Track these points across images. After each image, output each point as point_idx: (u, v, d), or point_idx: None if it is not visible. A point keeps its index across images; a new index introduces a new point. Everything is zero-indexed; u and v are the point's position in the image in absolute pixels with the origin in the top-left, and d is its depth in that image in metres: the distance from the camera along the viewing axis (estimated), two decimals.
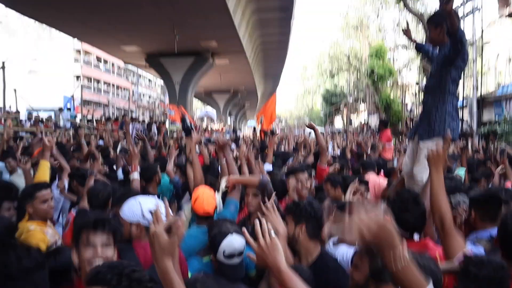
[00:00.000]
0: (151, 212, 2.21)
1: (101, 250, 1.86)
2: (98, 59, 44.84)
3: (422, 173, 3.54)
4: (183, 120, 5.16)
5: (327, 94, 52.11)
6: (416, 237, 2.44)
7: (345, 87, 47.91)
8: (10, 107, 18.40)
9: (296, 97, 79.02)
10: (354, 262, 1.92)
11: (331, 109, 49.29)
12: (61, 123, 17.24)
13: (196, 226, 3.10)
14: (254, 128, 15.59)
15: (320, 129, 39.56)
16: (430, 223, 2.65)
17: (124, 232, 2.37)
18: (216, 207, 3.20)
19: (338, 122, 50.16)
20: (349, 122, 42.41)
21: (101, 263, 1.54)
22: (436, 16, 3.72)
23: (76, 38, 25.63)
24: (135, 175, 3.91)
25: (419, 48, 4.28)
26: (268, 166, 5.98)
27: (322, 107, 57.15)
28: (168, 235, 1.53)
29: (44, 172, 3.76)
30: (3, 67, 14.25)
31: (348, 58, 41.12)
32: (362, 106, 45.55)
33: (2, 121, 14.22)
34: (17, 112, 16.69)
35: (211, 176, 4.31)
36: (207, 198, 3.11)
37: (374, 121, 35.73)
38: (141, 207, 2.44)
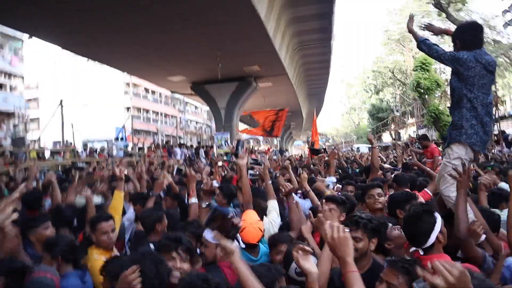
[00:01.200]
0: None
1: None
2: (146, 90, 46.60)
3: (446, 190, 3.39)
4: (238, 143, 5.39)
5: (373, 110, 51.39)
6: (421, 252, 2.43)
7: (391, 102, 47.16)
8: (67, 141, 19.52)
9: (341, 114, 78.41)
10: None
11: (378, 125, 48.51)
12: (114, 152, 18.05)
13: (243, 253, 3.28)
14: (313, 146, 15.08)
15: (367, 145, 38.94)
16: (472, 245, 2.68)
17: (208, 254, 2.79)
18: (263, 235, 3.37)
19: (386, 137, 49.24)
20: (398, 136, 41.56)
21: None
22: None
23: (125, 72, 26.88)
24: (193, 200, 4.08)
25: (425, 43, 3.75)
26: (332, 179, 6.09)
27: (369, 123, 56.38)
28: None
29: (118, 202, 3.98)
30: (61, 105, 15.19)
31: (392, 72, 40.65)
32: (410, 120, 44.56)
33: (62, 154, 15.17)
34: (73, 145, 17.67)
35: (259, 199, 4.42)
36: (252, 230, 3.28)
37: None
38: None
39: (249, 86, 23.50)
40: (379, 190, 3.90)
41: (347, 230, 1.95)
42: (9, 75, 30.55)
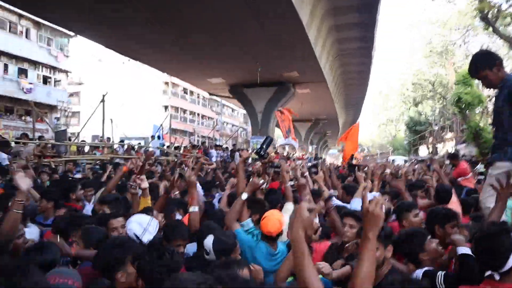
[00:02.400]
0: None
1: None
2: (185, 90, 47.22)
3: (486, 200, 3.44)
4: (265, 140, 5.18)
5: (411, 122, 50.36)
6: (496, 277, 2.19)
7: (430, 115, 46.13)
8: (108, 138, 19.97)
9: (378, 125, 77.23)
10: None
11: (416, 138, 47.51)
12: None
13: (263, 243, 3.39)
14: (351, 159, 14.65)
15: (403, 157, 38.13)
16: None
17: None
18: (281, 232, 3.40)
19: (423, 151, 48.18)
20: (435, 151, 40.58)
21: None
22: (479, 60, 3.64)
23: (165, 73, 27.35)
24: (193, 208, 3.88)
25: None
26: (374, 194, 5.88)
27: (406, 135, 55.31)
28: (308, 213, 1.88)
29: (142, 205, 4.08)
30: (103, 100, 15.58)
31: (433, 85, 39.73)
32: (449, 135, 43.45)
33: (101, 149, 15.52)
34: (112, 140, 18.05)
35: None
36: (273, 220, 3.36)
37: (463, 151, 33.90)
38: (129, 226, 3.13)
39: (287, 91, 23.47)
40: (416, 211, 3.84)
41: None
42: (54, 69, 31.56)
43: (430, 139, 42.33)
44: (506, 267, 2.17)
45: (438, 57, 37.00)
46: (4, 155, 9.57)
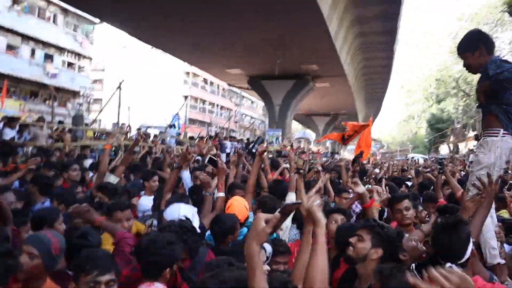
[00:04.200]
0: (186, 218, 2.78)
1: None
2: (205, 81, 47.40)
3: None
4: (257, 140, 5.29)
5: (432, 120, 49.63)
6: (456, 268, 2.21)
7: (453, 113, 45.34)
8: (125, 124, 20.18)
9: (399, 121, 76.25)
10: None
11: (437, 135, 46.79)
12: (167, 140, 18.42)
13: None
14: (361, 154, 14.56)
15: (423, 156, 37.61)
16: (476, 259, 2.55)
17: None
18: (248, 217, 3.49)
19: (444, 149, 47.42)
20: (456, 149, 39.90)
21: None
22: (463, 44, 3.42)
23: (186, 62, 27.49)
24: (220, 194, 3.91)
25: None
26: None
27: (427, 132, 54.52)
28: (265, 225, 1.73)
29: None
30: (119, 87, 15.75)
31: (457, 82, 38.97)
32: (471, 133, 42.66)
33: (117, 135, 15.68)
34: (129, 128, 18.23)
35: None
36: (238, 206, 3.45)
37: None
38: (179, 212, 2.92)
39: (306, 84, 23.35)
40: (406, 203, 3.52)
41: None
42: (78, 55, 32.05)
43: (452, 138, 41.67)
44: (464, 258, 2.24)
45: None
46: (11, 131, 9.82)
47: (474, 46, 3.28)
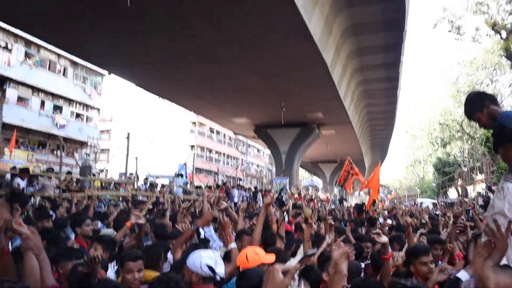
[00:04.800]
0: (208, 266, 2.76)
1: None
2: (211, 130, 47.89)
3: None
4: (281, 190, 5.23)
5: (439, 164, 49.40)
6: None
7: (459, 156, 45.24)
8: (134, 174, 20.30)
9: (405, 166, 75.95)
10: None
11: (444, 179, 46.45)
12: (175, 189, 18.48)
13: None
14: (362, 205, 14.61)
15: (431, 200, 37.10)
16: None
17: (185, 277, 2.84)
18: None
19: (453, 193, 46.94)
20: (465, 193, 39.47)
21: None
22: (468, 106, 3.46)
23: (192, 112, 27.95)
24: (232, 245, 3.96)
25: None
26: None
27: (434, 177, 54.17)
28: (283, 276, 1.69)
29: None
30: (128, 138, 15.97)
31: (460, 125, 39.14)
32: (479, 176, 42.35)
33: (124, 185, 15.78)
34: (137, 178, 18.33)
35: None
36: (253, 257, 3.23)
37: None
38: (200, 261, 2.84)
39: (312, 132, 23.53)
40: (431, 257, 3.44)
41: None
42: (86, 106, 32.73)
43: (460, 181, 41.32)
44: None
45: (465, 97, 36.67)
46: (21, 181, 9.92)
47: (480, 105, 3.32)
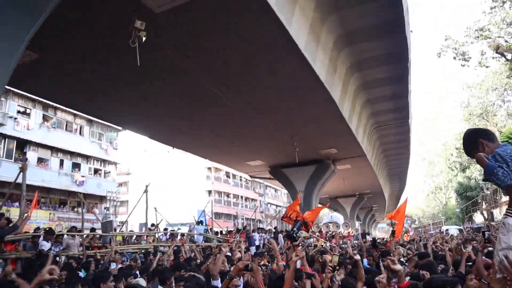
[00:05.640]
0: None
1: None
2: (227, 174, 48.13)
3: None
4: (295, 223, 5.15)
5: (460, 189, 48.65)
6: None
7: (480, 180, 44.46)
8: (153, 224, 20.38)
9: (426, 194, 74.78)
10: None
11: (468, 204, 45.56)
12: (195, 237, 18.50)
13: None
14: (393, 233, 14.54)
15: (457, 227, 36.26)
16: None
17: None
18: None
19: (478, 218, 45.88)
20: (491, 216, 38.57)
21: None
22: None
23: (206, 159, 28.28)
24: None
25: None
26: None
27: (457, 202, 53.19)
28: None
29: None
30: (146, 191, 16.17)
31: None
32: (503, 198, 41.44)
33: (145, 237, 15.86)
34: (157, 228, 18.42)
35: None
36: None
37: None
38: None
39: (327, 169, 23.50)
40: None
41: None
42: (104, 162, 33.39)
43: (484, 205, 40.49)
44: None
45: (479, 119, 36.47)
46: (47, 243, 10.09)
47: (475, 144, 3.31)
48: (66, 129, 29.88)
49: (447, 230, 34.84)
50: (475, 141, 3.31)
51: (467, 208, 46.34)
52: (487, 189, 38.05)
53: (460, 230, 35.99)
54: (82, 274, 7.51)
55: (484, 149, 3.26)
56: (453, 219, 55.01)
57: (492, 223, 32.85)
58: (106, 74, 11.54)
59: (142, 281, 5.42)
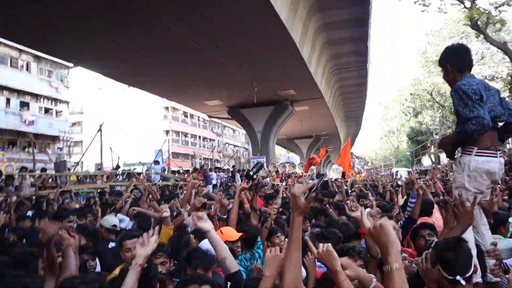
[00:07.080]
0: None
1: None
2: (185, 114, 47.50)
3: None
4: (256, 165, 5.13)
5: (412, 133, 50.47)
6: (462, 282, 2.19)
7: (431, 125, 46.25)
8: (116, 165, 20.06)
9: (380, 137, 77.30)
10: None
11: (418, 148, 47.50)
12: (153, 176, 18.40)
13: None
14: (343, 174, 15.28)
15: (406, 169, 37.93)
16: None
17: None
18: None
19: (426, 161, 48.09)
20: (438, 160, 40.49)
21: None
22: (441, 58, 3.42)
23: (164, 98, 27.65)
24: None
25: None
26: None
27: (408, 146, 55.35)
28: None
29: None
30: (100, 130, 15.74)
31: (431, 94, 39.91)
32: None
33: (100, 177, 15.63)
34: (117, 167, 18.17)
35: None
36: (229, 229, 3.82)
37: None
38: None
39: (285, 110, 23.61)
40: (429, 230, 3.51)
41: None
42: (55, 101, 31.95)
43: (432, 149, 42.35)
44: (469, 273, 2.20)
45: (434, 66, 37.24)
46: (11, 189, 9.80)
47: (443, 65, 3.36)
48: (11, 65, 28.09)
49: (397, 171, 36.32)
50: (445, 63, 3.34)
51: (417, 151, 48.33)
52: (436, 134, 39.62)
53: (409, 172, 37.64)
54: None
55: (449, 75, 3.31)
56: (403, 161, 57.43)
57: (438, 166, 34.50)
58: (59, 6, 10.72)
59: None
